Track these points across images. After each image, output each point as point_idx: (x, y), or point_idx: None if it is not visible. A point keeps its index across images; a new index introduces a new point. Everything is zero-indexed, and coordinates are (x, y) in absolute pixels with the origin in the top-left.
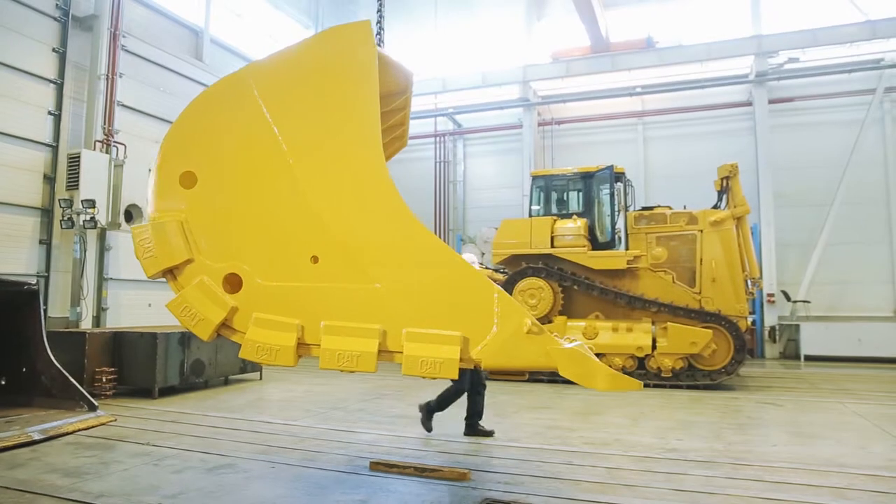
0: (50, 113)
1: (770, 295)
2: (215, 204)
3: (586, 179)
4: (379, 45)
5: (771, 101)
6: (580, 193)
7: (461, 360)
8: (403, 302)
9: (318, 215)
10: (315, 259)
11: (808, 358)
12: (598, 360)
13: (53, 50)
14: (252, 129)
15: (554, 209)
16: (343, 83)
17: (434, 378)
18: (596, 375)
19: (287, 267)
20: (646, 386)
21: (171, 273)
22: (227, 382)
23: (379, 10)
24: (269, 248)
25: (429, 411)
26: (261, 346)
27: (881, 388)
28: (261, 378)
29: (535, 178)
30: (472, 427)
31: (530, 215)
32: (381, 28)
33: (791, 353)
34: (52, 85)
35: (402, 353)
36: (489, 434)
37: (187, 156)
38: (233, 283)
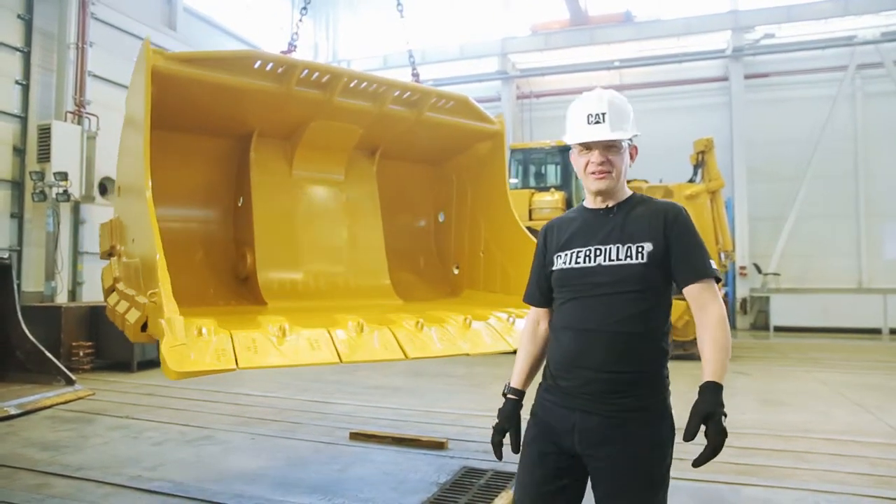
0: (17, 83)
1: (742, 268)
2: (125, 207)
3: (564, 153)
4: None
5: (746, 77)
6: (558, 167)
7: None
8: (144, 273)
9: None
10: (133, 240)
11: (778, 329)
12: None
13: (19, 16)
14: (131, 146)
15: (532, 182)
16: (135, 100)
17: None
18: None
19: (133, 247)
20: None
21: (110, 255)
22: None
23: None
24: (130, 233)
25: None
26: (109, 309)
27: (845, 356)
28: None
29: (513, 151)
30: None
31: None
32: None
33: (761, 324)
34: (18, 53)
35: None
36: None
37: (119, 174)
38: None
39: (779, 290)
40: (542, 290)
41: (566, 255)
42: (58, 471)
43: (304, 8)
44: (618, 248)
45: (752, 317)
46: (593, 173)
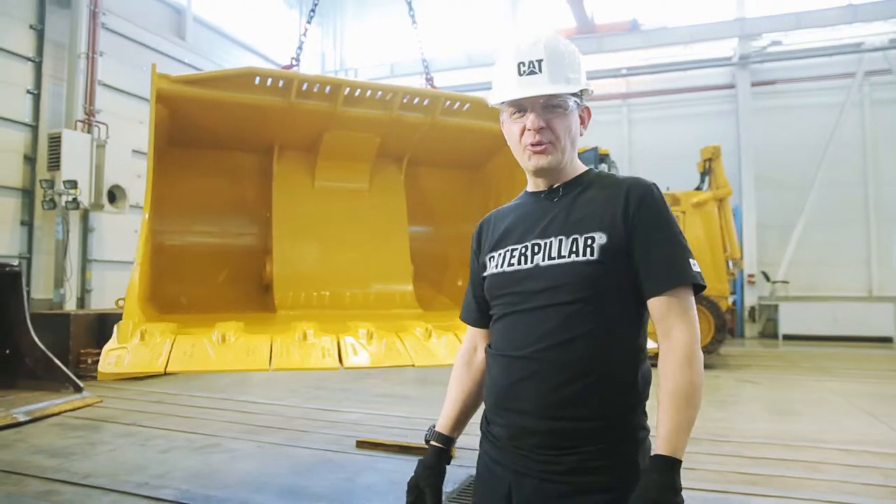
0: (29, 92)
1: (750, 275)
2: None
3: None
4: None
5: (753, 84)
6: None
7: None
8: None
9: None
10: None
11: (787, 337)
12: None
13: (31, 27)
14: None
15: None
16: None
17: None
18: None
19: None
20: None
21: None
22: None
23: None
24: None
25: None
26: None
27: (855, 365)
28: None
29: None
30: None
31: None
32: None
33: (770, 333)
34: (29, 63)
35: None
36: None
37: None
38: None
39: (788, 298)
40: (480, 303)
41: (499, 255)
42: (65, 478)
43: (310, 21)
44: (560, 241)
45: (760, 325)
46: (531, 145)
